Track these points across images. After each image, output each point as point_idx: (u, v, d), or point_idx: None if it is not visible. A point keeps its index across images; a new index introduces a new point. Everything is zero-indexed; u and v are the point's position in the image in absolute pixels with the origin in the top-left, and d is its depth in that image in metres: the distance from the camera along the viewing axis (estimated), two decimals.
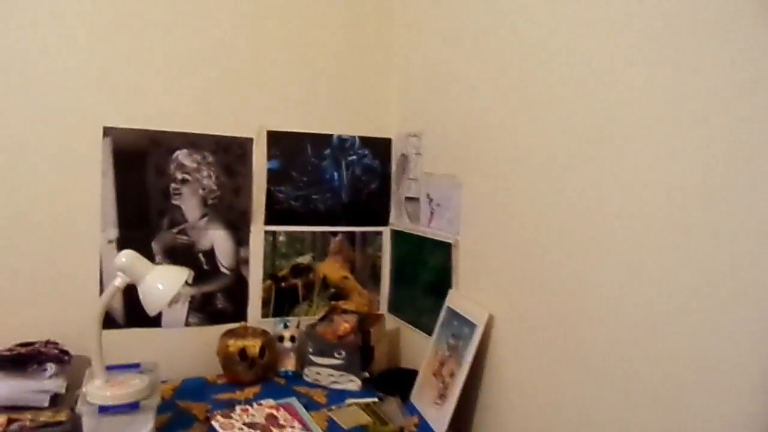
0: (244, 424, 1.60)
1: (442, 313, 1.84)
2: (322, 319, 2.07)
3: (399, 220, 2.23)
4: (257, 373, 1.93)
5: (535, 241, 1.49)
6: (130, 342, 1.92)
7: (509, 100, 1.60)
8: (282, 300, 2.16)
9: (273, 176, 2.11)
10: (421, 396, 1.81)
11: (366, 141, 2.24)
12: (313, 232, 2.19)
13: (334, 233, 2.22)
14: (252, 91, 2.07)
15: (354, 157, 2.22)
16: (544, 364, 1.45)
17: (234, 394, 1.86)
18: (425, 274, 2.03)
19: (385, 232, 2.30)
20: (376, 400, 1.83)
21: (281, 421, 1.63)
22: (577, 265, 1.35)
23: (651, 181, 1.15)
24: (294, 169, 2.14)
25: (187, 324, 2.03)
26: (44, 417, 1.57)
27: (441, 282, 1.91)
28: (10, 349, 1.63)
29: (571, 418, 1.36)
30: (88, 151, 1.87)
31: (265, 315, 2.14)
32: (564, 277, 1.39)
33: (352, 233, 2.25)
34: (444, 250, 1.88)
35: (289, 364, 2.03)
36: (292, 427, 1.60)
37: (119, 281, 1.46)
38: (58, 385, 1.61)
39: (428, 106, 2.05)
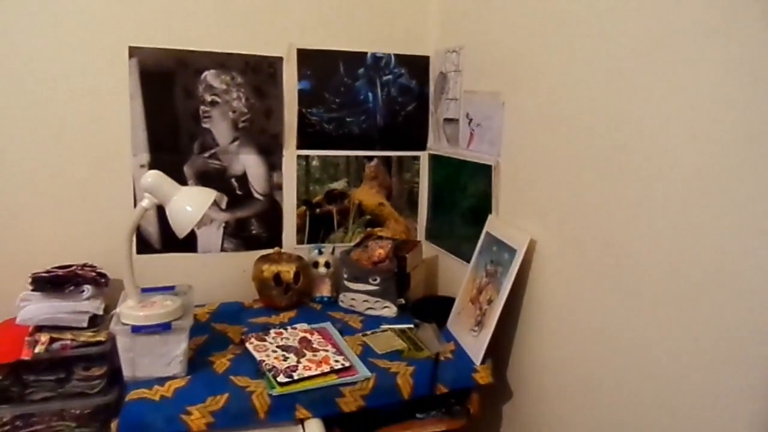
0: (278, 346, 1.59)
1: (481, 239, 1.75)
2: (357, 246, 2.02)
3: (437, 143, 2.12)
4: (292, 298, 1.92)
5: (582, 162, 1.37)
6: (167, 266, 1.92)
7: (559, 10, 1.44)
8: (317, 226, 2.12)
9: (304, 97, 2.01)
10: (458, 323, 1.76)
11: (402, 59, 2.10)
12: (348, 157, 2.11)
13: (369, 158, 2.13)
14: (281, 6, 1.95)
15: (390, 76, 2.10)
16: (589, 290, 1.36)
17: (269, 318, 1.86)
18: (464, 199, 1.94)
19: (423, 156, 2.20)
20: (411, 326, 1.79)
21: (315, 345, 1.62)
22: (625, 186, 1.23)
23: (708, 96, 1.01)
24: (326, 90, 2.03)
25: (223, 249, 2.02)
26: (84, 337, 1.60)
27: (481, 207, 1.81)
28: (48, 271, 1.64)
29: (617, 344, 1.28)
30: (115, 73, 1.81)
31: (300, 241, 2.10)
32: (611, 200, 1.27)
33: (388, 158, 2.16)
34: (484, 173, 1.77)
35: (325, 290, 2.01)
36: (326, 350, 1.58)
37: (147, 202, 1.43)
38: (95, 306, 1.63)
39: (470, 18, 1.89)
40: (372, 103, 2.09)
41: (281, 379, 1.42)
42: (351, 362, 1.54)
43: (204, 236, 1.98)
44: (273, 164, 2.03)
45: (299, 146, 2.04)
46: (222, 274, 2.01)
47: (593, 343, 1.35)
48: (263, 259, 1.94)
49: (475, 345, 1.62)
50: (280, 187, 2.05)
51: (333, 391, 1.45)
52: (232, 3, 1.89)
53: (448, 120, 2.01)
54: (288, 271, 1.89)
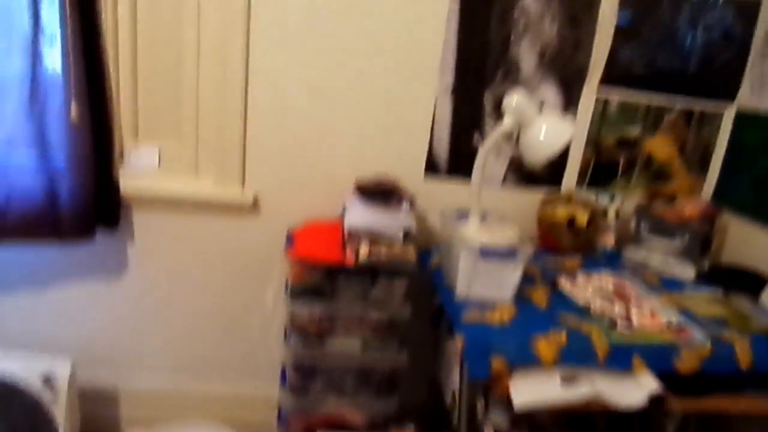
0: (595, 291, 1.53)
1: None
2: (651, 198, 1.88)
3: (756, 97, 1.89)
4: (578, 243, 1.84)
5: None
6: (450, 192, 1.92)
7: None
8: (598, 171, 2.00)
9: (619, 31, 1.85)
10: None
11: (729, 1, 1.86)
12: (648, 105, 1.94)
13: (670, 109, 1.95)
14: None
15: (714, 17, 1.87)
16: None
17: (556, 259, 1.80)
18: None
19: (728, 112, 1.97)
20: (719, 294, 1.65)
21: (633, 297, 1.53)
22: None
23: None
24: (644, 26, 1.86)
25: (504, 181, 1.97)
26: (396, 250, 1.63)
27: None
28: (371, 181, 1.68)
29: None
30: None
31: (579, 184, 2.00)
32: None
33: (689, 112, 1.96)
34: None
35: (608, 241, 1.91)
36: (639, 306, 1.49)
37: (507, 124, 1.38)
38: (410, 222, 1.66)
39: None
40: (689, 46, 1.89)
41: (620, 326, 1.36)
42: (682, 322, 1.44)
43: (488, 166, 1.94)
44: (570, 100, 1.91)
45: (602, 82, 1.90)
46: (500, 207, 1.96)
47: None
48: (554, 200, 1.87)
49: None
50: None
51: (670, 349, 1.37)
52: None
53: None
54: (583, 215, 1.80)
